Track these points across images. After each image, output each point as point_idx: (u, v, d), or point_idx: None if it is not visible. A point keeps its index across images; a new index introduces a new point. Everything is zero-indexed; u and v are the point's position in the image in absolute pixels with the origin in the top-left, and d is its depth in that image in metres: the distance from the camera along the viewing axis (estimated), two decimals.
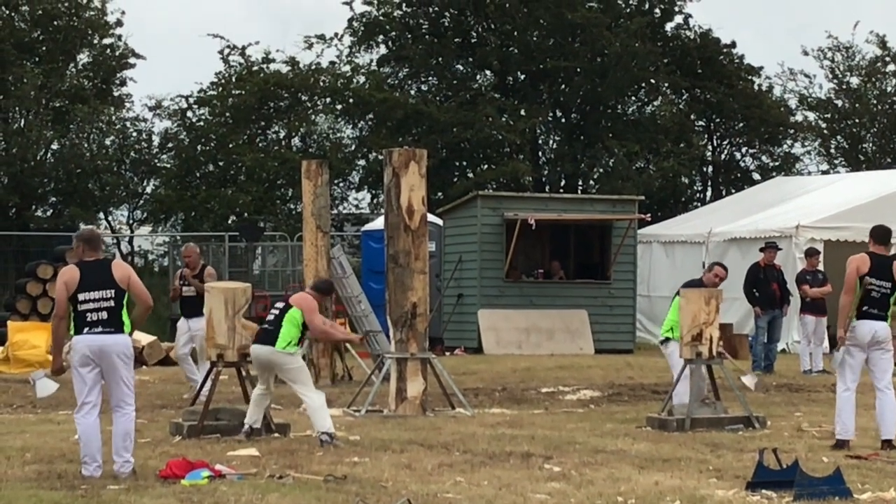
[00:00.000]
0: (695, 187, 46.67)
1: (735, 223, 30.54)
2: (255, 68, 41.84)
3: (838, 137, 46.34)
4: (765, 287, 23.52)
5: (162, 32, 70.80)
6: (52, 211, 41.39)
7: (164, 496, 10.41)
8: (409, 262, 16.63)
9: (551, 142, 45.40)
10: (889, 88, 45.32)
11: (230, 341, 14.26)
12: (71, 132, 40.43)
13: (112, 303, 11.35)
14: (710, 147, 46.30)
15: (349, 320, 23.41)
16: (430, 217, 21.69)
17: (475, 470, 11.81)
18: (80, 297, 11.32)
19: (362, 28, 43.17)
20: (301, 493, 10.51)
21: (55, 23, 40.48)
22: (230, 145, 40.86)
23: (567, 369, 23.51)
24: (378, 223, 28.30)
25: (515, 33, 43.02)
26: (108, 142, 41.76)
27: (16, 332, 24.21)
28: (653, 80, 43.49)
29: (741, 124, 45.03)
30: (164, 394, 19.08)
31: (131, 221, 43.66)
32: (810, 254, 23.89)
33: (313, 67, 42.22)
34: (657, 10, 44.10)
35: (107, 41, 41.70)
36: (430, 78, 44.57)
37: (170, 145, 42.38)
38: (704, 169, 46.45)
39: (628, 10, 43.46)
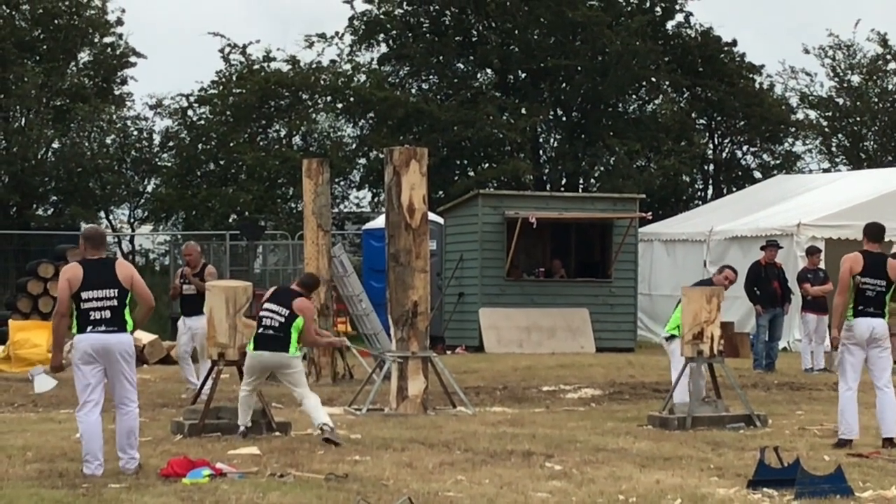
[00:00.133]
0: (696, 186, 46.66)
1: (736, 221, 30.53)
2: (256, 67, 41.83)
3: (839, 136, 46.32)
4: (766, 285, 23.52)
5: (162, 31, 70.85)
6: (52, 210, 41.39)
7: (165, 495, 10.41)
8: (409, 260, 16.63)
9: (552, 140, 45.39)
10: (890, 87, 45.30)
11: (231, 340, 14.27)
12: (72, 131, 40.43)
13: (115, 302, 11.36)
14: (711, 145, 46.28)
15: (350, 319, 23.43)
16: (431, 216, 21.68)
17: (476, 468, 11.81)
18: (84, 295, 11.33)
19: (363, 27, 43.16)
20: (302, 491, 10.51)
21: (56, 21, 40.48)
22: (231, 144, 40.85)
23: (568, 368, 23.51)
24: (379, 222, 28.31)
25: (516, 32, 43.01)
26: (108, 140, 41.76)
27: (17, 330, 24.21)
28: (654, 79, 43.47)
29: (742, 122, 45.01)
30: (166, 392, 19.09)
31: (132, 220, 43.67)
32: (811, 252, 23.88)
33: (314, 66, 42.22)
34: (658, 9, 44.08)
35: (107, 40, 41.71)
36: (431, 76, 44.56)
37: (171, 144, 42.38)
38: (705, 167, 46.44)
39: (629, 9, 43.44)
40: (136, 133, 42.64)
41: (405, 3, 43.62)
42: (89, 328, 11.33)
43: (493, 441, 13.61)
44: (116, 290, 11.38)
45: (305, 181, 21.44)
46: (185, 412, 14.69)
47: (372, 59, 43.76)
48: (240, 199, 39.47)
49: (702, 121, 46.11)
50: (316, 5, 70.31)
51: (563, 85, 43.61)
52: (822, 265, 24.19)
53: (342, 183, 42.68)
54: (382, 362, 17.33)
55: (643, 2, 43.87)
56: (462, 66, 44.46)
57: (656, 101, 45.28)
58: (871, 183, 30.80)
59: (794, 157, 46.34)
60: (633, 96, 44.96)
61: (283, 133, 43.01)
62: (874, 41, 45.09)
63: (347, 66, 42.90)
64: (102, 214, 42.53)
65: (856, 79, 45.64)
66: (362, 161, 42.94)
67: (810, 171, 45.03)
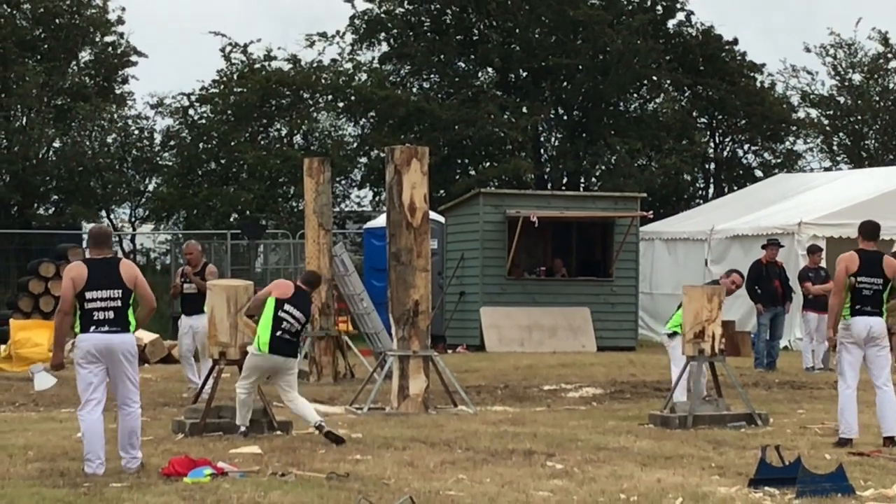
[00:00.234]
0: (697, 184, 46.66)
1: (737, 220, 30.53)
2: (257, 66, 41.83)
3: (840, 134, 46.32)
4: (767, 284, 23.52)
5: (163, 30, 70.80)
6: (53, 209, 41.40)
7: (166, 494, 10.41)
8: (411, 259, 16.63)
9: (553, 139, 45.40)
10: (891, 85, 45.30)
11: (232, 339, 14.26)
12: (73, 130, 40.43)
13: (119, 303, 11.37)
14: (712, 144, 46.29)
15: (351, 318, 23.42)
16: (432, 215, 21.68)
17: (477, 467, 11.81)
18: (88, 295, 11.33)
19: (364, 26, 43.16)
20: (303, 490, 10.51)
21: (57, 20, 40.48)
22: (232, 143, 40.85)
23: (569, 367, 23.52)
24: (380, 221, 28.32)
25: (517, 30, 43.01)
26: (109, 140, 41.76)
27: (18, 330, 24.21)
28: (655, 78, 43.46)
29: (743, 121, 45.01)
30: (167, 392, 19.09)
31: (133, 219, 43.68)
32: (812, 251, 23.88)
33: (315, 65, 42.21)
34: (659, 7, 44.09)
35: (108, 39, 41.72)
36: (432, 75, 44.56)
37: (172, 143, 42.39)
38: (707, 166, 46.44)
39: (630, 8, 43.44)
40: (137, 132, 42.65)
41: (406, 2, 43.63)
42: (92, 328, 11.34)
43: (495, 440, 13.61)
44: (120, 291, 11.39)
45: (306, 180, 21.44)
46: (186, 411, 14.69)
47: (373, 58, 43.81)
48: (241, 199, 39.48)
49: (703, 119, 46.11)
50: (317, 4, 70.34)
51: (565, 84, 43.60)
52: (823, 264, 24.19)
53: (343, 182, 42.69)
54: (384, 361, 17.33)
55: (644, 0, 43.87)
56: (463, 65, 44.46)
57: (657, 100, 45.28)
58: (873, 182, 30.80)
59: (795, 155, 46.35)
60: (635, 95, 44.96)
61: (284, 132, 43.01)
62: (875, 40, 45.12)
63: (348, 65, 42.92)
64: (103, 213, 42.53)
65: (857, 77, 45.64)
66: (363, 160, 42.95)
67: (811, 170, 45.04)
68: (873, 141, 45.91)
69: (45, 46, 40.51)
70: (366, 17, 43.09)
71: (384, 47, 43.85)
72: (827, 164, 46.48)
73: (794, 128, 45.88)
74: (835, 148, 46.54)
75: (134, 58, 41.90)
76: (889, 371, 13.50)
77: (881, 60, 45.16)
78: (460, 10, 43.68)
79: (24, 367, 22.84)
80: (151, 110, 42.58)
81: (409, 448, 13.05)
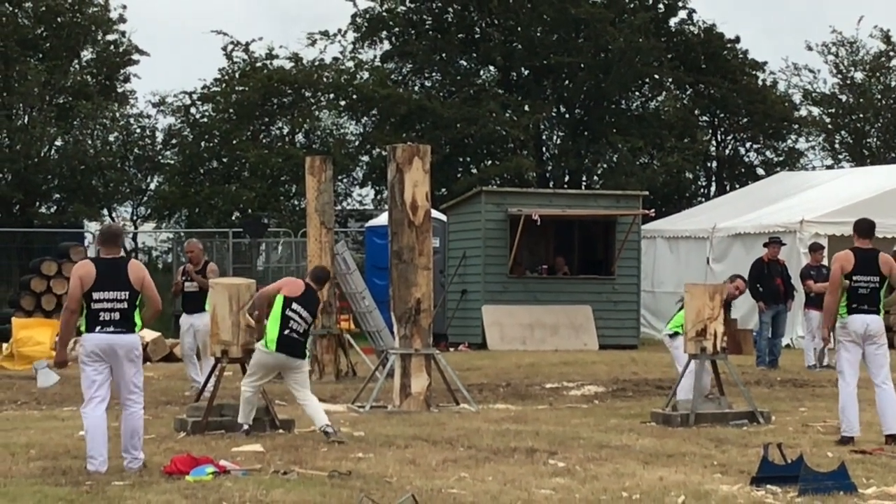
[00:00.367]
0: (699, 182, 46.67)
1: (739, 218, 30.53)
2: (259, 64, 41.84)
3: (842, 132, 46.33)
4: (769, 282, 23.52)
5: (165, 28, 70.81)
6: (55, 207, 41.39)
7: (168, 492, 10.41)
8: (412, 258, 16.63)
9: (555, 137, 45.39)
10: (893, 83, 45.30)
11: (234, 337, 14.25)
12: (75, 129, 40.43)
13: (125, 304, 11.38)
14: (714, 142, 46.29)
15: (353, 316, 23.42)
16: (434, 213, 21.69)
17: (480, 465, 11.81)
18: (95, 295, 11.34)
19: (366, 24, 43.16)
20: (305, 488, 10.51)
21: (58, 19, 40.49)
22: (234, 141, 40.86)
23: (571, 365, 23.52)
24: (382, 219, 28.31)
25: (519, 29, 43.01)
26: (111, 138, 41.76)
27: (20, 328, 24.24)
28: (657, 76, 43.46)
29: (745, 119, 45.01)
30: (169, 390, 19.09)
31: (135, 218, 43.68)
32: (815, 249, 23.87)
33: (317, 63, 42.21)
34: (661, 6, 44.09)
35: (110, 37, 41.72)
36: (434, 74, 44.57)
37: (173, 141, 42.40)
38: (708, 164, 46.45)
39: (632, 6, 43.42)
40: (139, 130, 42.65)
41: (408, 1, 43.63)
42: (98, 328, 11.37)
43: (497, 438, 13.61)
44: (127, 293, 11.40)
45: (308, 178, 21.44)
46: (188, 409, 14.69)
47: (375, 57, 43.81)
48: (243, 197, 39.48)
49: (705, 118, 46.11)
50: (319, 3, 70.33)
51: (566, 82, 43.60)
52: (825, 262, 24.18)
53: (345, 180, 42.69)
54: (386, 359, 17.33)
55: None
56: (465, 64, 44.47)
57: (659, 98, 45.29)
58: (874, 180, 30.81)
59: (797, 153, 46.35)
60: (636, 93, 44.96)
61: (285, 130, 43.02)
62: (877, 38, 45.15)
63: (350, 64, 42.93)
64: (105, 212, 42.55)
65: (859, 75, 45.65)
66: (365, 158, 42.95)
67: (813, 168, 45.05)
68: (875, 139, 45.91)
69: (47, 45, 40.52)
70: (367, 16, 43.11)
71: (386, 46, 43.87)
72: (829, 162, 46.50)
73: (796, 126, 45.88)
74: (836, 146, 46.54)
75: (136, 56, 41.93)
76: (888, 369, 13.49)
77: (883, 58, 45.16)
78: (462, 8, 43.67)
79: (26, 366, 22.87)
80: (153, 109, 42.66)
81: (412, 446, 13.05)
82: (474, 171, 42.40)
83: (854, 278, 13.27)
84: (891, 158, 42.68)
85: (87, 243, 34.72)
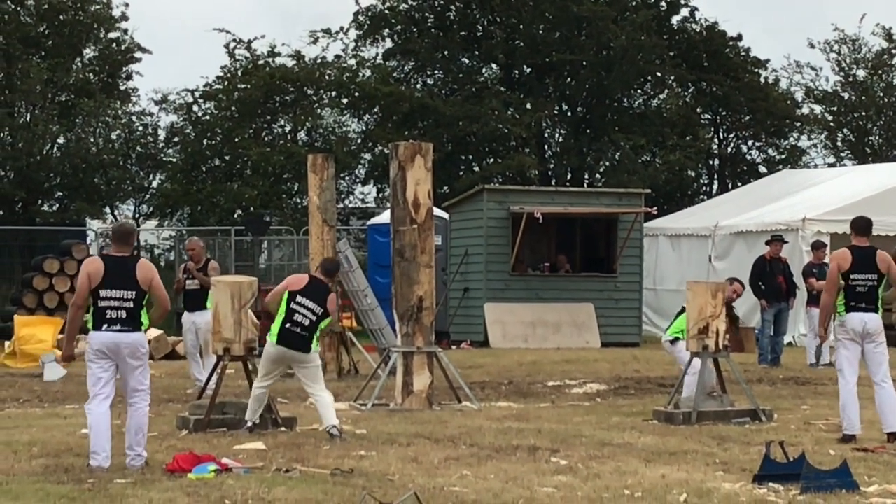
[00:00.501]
0: (701, 180, 46.66)
1: (741, 216, 30.53)
2: (261, 62, 41.84)
3: (845, 130, 46.31)
4: (770, 280, 23.51)
5: (168, 26, 70.78)
6: (58, 205, 41.40)
7: (170, 490, 10.41)
8: (415, 255, 16.63)
9: (557, 135, 45.37)
10: (895, 81, 45.27)
11: (237, 335, 14.25)
12: (77, 126, 40.43)
13: (131, 304, 11.40)
14: (716, 140, 46.28)
15: (355, 314, 23.41)
16: (436, 211, 21.68)
17: (482, 463, 11.81)
18: (102, 293, 11.37)
19: (368, 22, 43.16)
20: (308, 486, 10.52)
21: (61, 17, 40.50)
22: (236, 139, 40.86)
23: (573, 363, 23.52)
24: (384, 217, 28.31)
25: (521, 26, 43.00)
26: (114, 136, 41.77)
27: (22, 326, 24.23)
28: (659, 74, 43.45)
29: (747, 117, 44.99)
30: (171, 388, 19.09)
31: (137, 216, 43.68)
32: (817, 247, 23.86)
33: (319, 61, 42.21)
34: (663, 3, 44.06)
35: (113, 35, 41.72)
36: (436, 71, 44.56)
37: (176, 139, 42.40)
38: (710, 162, 46.43)
39: (634, 3, 43.41)
40: (141, 128, 42.67)
41: None
42: (104, 326, 11.39)
43: (499, 436, 13.61)
44: (134, 292, 11.42)
45: (310, 176, 21.44)
46: (190, 407, 14.70)
47: (377, 55, 43.81)
48: (245, 195, 39.49)
49: (707, 115, 46.10)
50: (321, 1, 70.26)
51: (569, 80, 43.59)
52: (827, 260, 24.16)
53: (347, 178, 42.69)
54: (388, 357, 17.33)
55: None
56: (467, 61, 44.46)
57: (661, 96, 45.26)
58: (877, 177, 30.79)
59: (799, 151, 46.33)
60: (639, 91, 44.94)
61: (288, 128, 43.01)
62: (879, 35, 45.13)
63: (352, 62, 42.93)
64: (108, 210, 42.57)
65: (861, 73, 45.63)
66: (367, 156, 42.95)
67: (815, 166, 45.01)
68: (877, 137, 45.89)
69: (50, 43, 40.52)
70: (369, 14, 43.10)
71: (388, 43, 43.86)
72: (831, 159, 46.50)
73: (799, 124, 45.86)
74: (839, 144, 46.52)
75: (138, 54, 41.94)
76: (887, 367, 13.48)
77: (885, 56, 45.14)
78: (464, 6, 43.66)
79: (28, 364, 22.88)
80: (155, 107, 42.67)
81: (414, 444, 13.05)
82: (476, 168, 42.41)
83: (852, 276, 13.27)
84: (893, 156, 42.66)
85: (89, 241, 34.74)
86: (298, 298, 13.80)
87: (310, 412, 15.44)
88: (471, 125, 41.19)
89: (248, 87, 41.09)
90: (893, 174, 30.50)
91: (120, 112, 41.77)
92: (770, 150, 46.15)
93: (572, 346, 27.47)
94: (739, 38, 44.68)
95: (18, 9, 40.08)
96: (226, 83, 41.86)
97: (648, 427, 14.55)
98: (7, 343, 24.48)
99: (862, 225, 13.57)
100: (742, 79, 43.89)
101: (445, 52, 43.57)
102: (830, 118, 46.19)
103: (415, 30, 43.62)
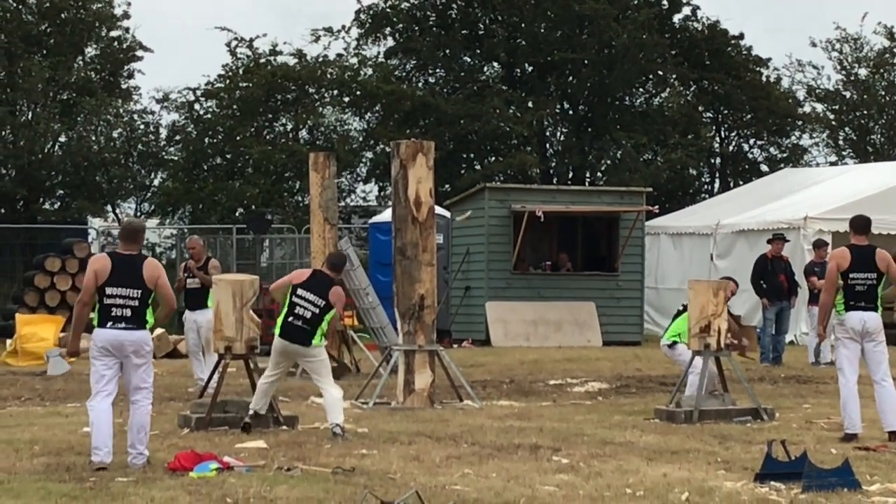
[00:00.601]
0: (702, 179, 46.65)
1: (743, 215, 30.52)
2: (263, 61, 41.83)
3: (846, 129, 46.30)
4: (772, 278, 23.51)
5: (169, 25, 70.81)
6: (59, 204, 41.38)
7: (172, 488, 10.41)
8: (416, 254, 16.63)
9: (559, 134, 45.37)
10: None
11: (238, 333, 14.25)
12: (78, 125, 40.42)
13: (137, 302, 11.42)
14: (717, 139, 46.27)
15: (356, 312, 23.41)
16: (438, 209, 21.68)
17: (483, 462, 11.81)
18: (108, 290, 11.39)
19: (369, 20, 43.16)
20: (309, 485, 10.52)
21: (62, 15, 40.47)
22: (237, 138, 40.85)
23: (575, 361, 23.53)
24: (386, 215, 28.31)
25: (523, 25, 42.99)
26: (115, 134, 41.75)
27: (24, 324, 24.23)
28: (660, 72, 43.44)
29: (749, 116, 44.98)
30: (173, 386, 19.09)
31: (139, 214, 43.65)
32: (819, 245, 23.86)
33: (320, 60, 42.20)
34: (665, 2, 44.05)
35: (114, 34, 41.69)
36: (438, 70, 44.56)
37: (177, 138, 42.38)
38: (712, 160, 46.43)
39: (636, 2, 43.38)
40: (142, 127, 42.64)
41: None
42: (109, 324, 11.40)
43: (500, 435, 13.61)
44: (140, 291, 11.43)
45: (312, 175, 21.44)
46: (192, 406, 14.70)
47: (378, 53, 43.81)
48: (246, 193, 39.48)
49: (708, 114, 46.09)
50: (319, 0, 70.27)
51: (570, 78, 43.58)
52: (828, 258, 24.15)
53: (349, 176, 42.68)
54: (389, 356, 17.33)
55: None
56: (468, 60, 44.45)
57: (663, 95, 45.25)
58: (879, 176, 30.78)
59: (800, 150, 46.32)
60: (640, 90, 44.93)
61: (289, 127, 42.99)
62: (881, 34, 45.12)
63: (354, 60, 42.91)
64: (109, 208, 42.57)
65: (863, 72, 45.62)
66: (369, 155, 42.95)
67: (817, 165, 45.01)
68: (879, 135, 45.88)
69: (51, 41, 40.49)
70: (371, 12, 43.10)
71: (390, 42, 43.88)
72: (833, 158, 46.50)
73: (800, 122, 45.86)
74: (841, 142, 46.51)
75: (140, 52, 41.90)
76: (887, 365, 13.48)
77: (887, 55, 45.13)
78: (466, 4, 43.67)
79: (29, 362, 22.88)
80: (157, 105, 42.64)
81: (415, 442, 13.05)
82: (478, 167, 42.40)
83: (851, 275, 13.27)
84: (894, 155, 42.65)
85: (90, 239, 34.73)
86: (300, 291, 13.79)
87: (311, 411, 15.46)
88: (472, 123, 41.19)
89: (250, 85, 41.09)
90: (895, 173, 30.48)
91: (121, 110, 41.74)
92: (772, 149, 46.14)
93: (574, 344, 27.47)
94: (741, 36, 44.71)
95: (20, 7, 40.06)
96: (227, 81, 41.85)
97: (650, 426, 14.55)
98: (9, 341, 24.48)
99: (861, 224, 13.56)
100: (744, 77, 43.88)
101: (447, 51, 43.56)
102: (832, 117, 46.18)
103: (416, 28, 43.62)
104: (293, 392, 17.41)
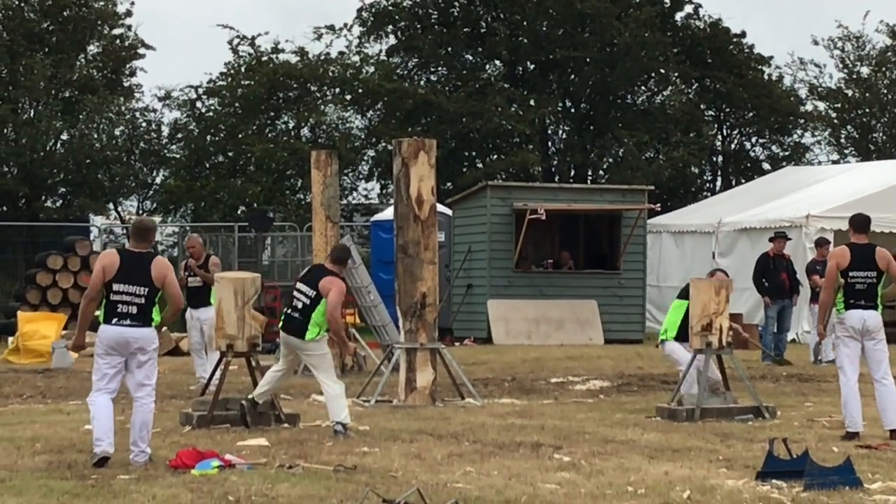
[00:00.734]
0: (704, 177, 46.63)
1: (745, 213, 30.52)
2: (265, 59, 41.82)
3: (848, 127, 46.27)
4: (774, 277, 23.50)
5: (171, 23, 70.87)
6: (61, 201, 41.39)
7: (174, 486, 10.41)
8: (418, 252, 16.63)
9: (561, 132, 45.36)
10: None
11: (240, 331, 14.25)
12: (80, 122, 40.41)
13: (143, 300, 11.42)
14: (719, 137, 46.25)
15: (358, 310, 23.42)
16: (440, 207, 21.68)
17: (485, 460, 11.81)
18: (115, 287, 11.40)
19: (371, 18, 43.15)
20: (311, 482, 10.52)
21: (64, 13, 40.46)
22: (239, 136, 40.85)
23: (576, 359, 23.52)
24: (387, 213, 28.32)
25: (525, 23, 42.98)
26: (117, 132, 41.76)
27: (26, 322, 24.23)
28: (662, 70, 43.43)
29: (751, 114, 44.97)
30: (174, 384, 19.09)
31: (141, 212, 43.66)
32: (820, 243, 23.84)
33: (322, 58, 42.19)
34: (666, 0, 44.04)
35: (116, 31, 41.68)
36: (440, 68, 44.54)
37: (179, 136, 42.38)
38: (714, 159, 46.41)
39: (637, 0, 43.39)
40: (144, 125, 42.64)
41: None
42: (114, 320, 11.41)
43: (502, 432, 13.61)
44: (147, 289, 11.44)
45: (314, 173, 21.44)
46: (193, 403, 14.70)
47: (380, 51, 43.80)
48: (248, 191, 39.49)
49: (710, 112, 46.06)
50: None
51: (572, 76, 43.57)
52: (829, 257, 24.13)
53: (351, 174, 42.67)
54: (391, 353, 17.33)
55: None
56: (470, 58, 44.43)
57: (665, 93, 45.24)
58: (881, 174, 30.78)
59: (802, 148, 46.30)
60: (642, 88, 44.91)
61: (291, 125, 42.99)
62: (883, 32, 45.09)
63: (356, 58, 42.90)
64: (111, 206, 42.57)
65: (865, 70, 45.59)
66: (371, 152, 42.94)
67: (819, 163, 45.00)
68: (881, 134, 45.86)
69: (53, 39, 40.49)
70: (373, 10, 43.10)
71: (392, 40, 43.86)
72: (835, 156, 46.48)
73: (802, 121, 45.84)
74: (842, 141, 46.49)
75: (142, 50, 41.90)
76: (887, 364, 13.47)
77: (889, 53, 45.10)
78: (468, 2, 43.66)
79: (31, 360, 22.89)
80: (159, 103, 42.63)
81: (417, 440, 13.06)
82: (480, 165, 42.39)
83: (851, 274, 13.26)
84: None
85: (92, 237, 34.74)
86: (297, 285, 13.88)
87: (313, 409, 15.46)
88: (474, 122, 41.18)
89: (252, 83, 41.08)
90: None
91: (123, 108, 41.75)
92: (774, 147, 46.12)
93: (575, 342, 27.47)
94: (743, 34, 44.68)
95: (22, 4, 40.07)
96: (229, 79, 41.85)
97: (651, 424, 14.55)
98: (10, 339, 24.49)
99: (860, 222, 13.56)
100: (746, 76, 43.86)
101: (449, 49, 43.55)
102: (834, 115, 46.16)
103: (418, 26, 43.62)
104: (295, 390, 17.41)
